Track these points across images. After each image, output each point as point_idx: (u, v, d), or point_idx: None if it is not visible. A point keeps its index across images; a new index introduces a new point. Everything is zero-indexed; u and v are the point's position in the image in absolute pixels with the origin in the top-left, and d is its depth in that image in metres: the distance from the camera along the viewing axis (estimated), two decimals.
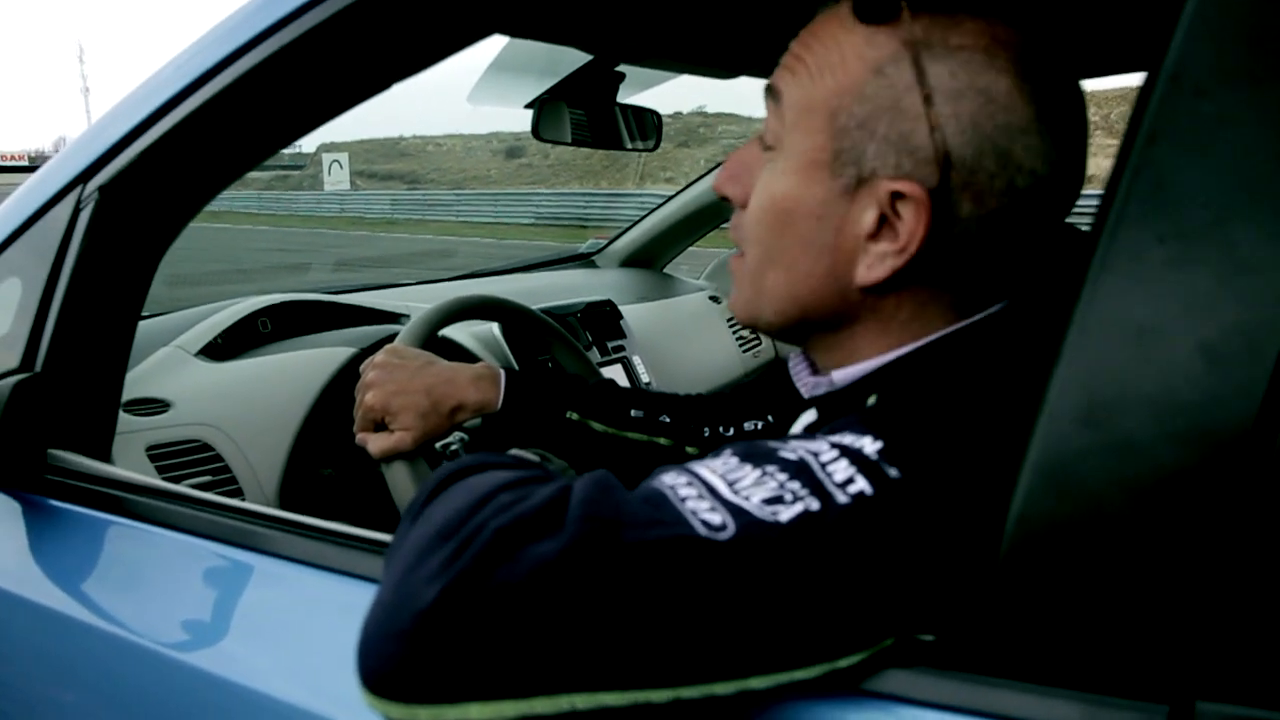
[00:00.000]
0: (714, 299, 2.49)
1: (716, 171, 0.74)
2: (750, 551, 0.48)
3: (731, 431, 1.13)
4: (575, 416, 1.11)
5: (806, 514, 0.50)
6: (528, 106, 1.69)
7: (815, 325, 0.71)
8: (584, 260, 2.65)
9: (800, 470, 0.53)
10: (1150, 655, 0.44)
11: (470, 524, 0.49)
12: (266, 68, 0.91)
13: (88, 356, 1.04)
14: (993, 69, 0.61)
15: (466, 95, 1.64)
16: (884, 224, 0.63)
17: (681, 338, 2.25)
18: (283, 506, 1.30)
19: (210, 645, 0.82)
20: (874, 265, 0.64)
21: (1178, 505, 0.43)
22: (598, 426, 1.11)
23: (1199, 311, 0.43)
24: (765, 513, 0.50)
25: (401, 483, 1.04)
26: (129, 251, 1.04)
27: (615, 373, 1.91)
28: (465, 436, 1.21)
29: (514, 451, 0.74)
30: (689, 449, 1.13)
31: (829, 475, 0.52)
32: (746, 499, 0.51)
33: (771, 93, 0.68)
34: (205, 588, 0.87)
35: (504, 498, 0.51)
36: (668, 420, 1.13)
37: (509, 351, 1.65)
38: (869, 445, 0.54)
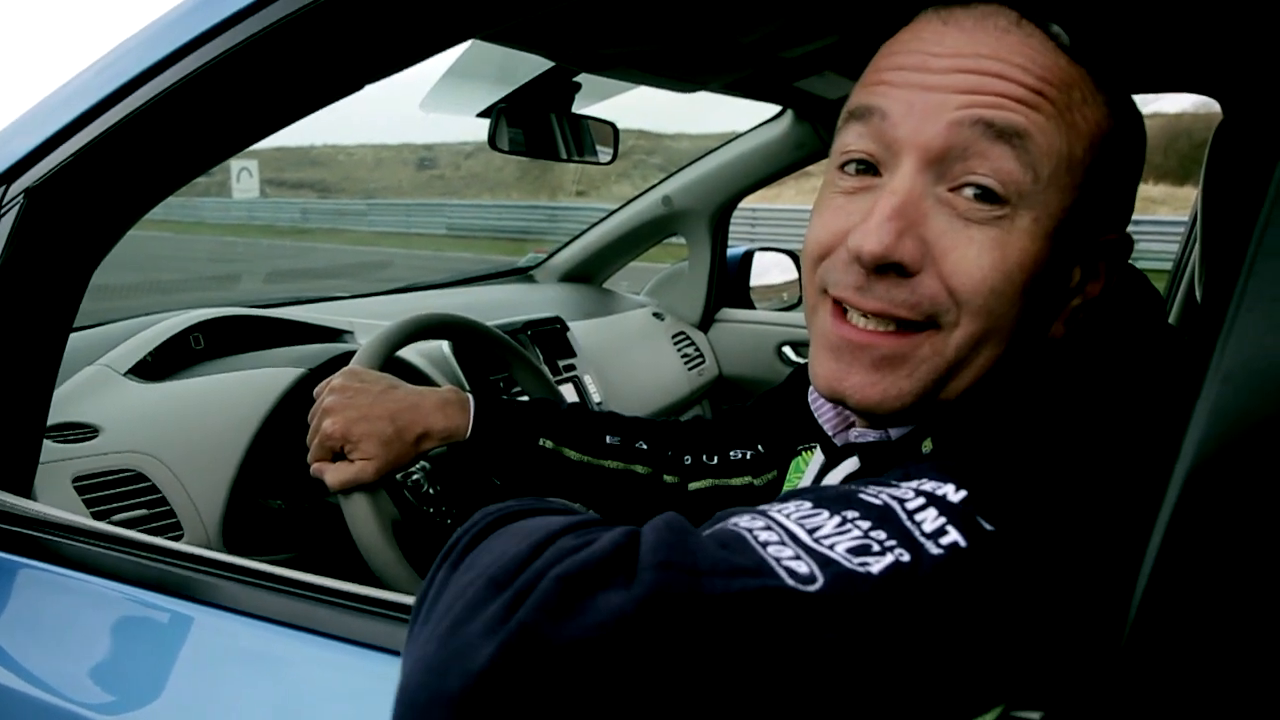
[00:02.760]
0: (657, 315, 2.44)
1: (869, 229, 0.58)
2: (842, 607, 0.43)
3: (716, 460, 1.08)
4: (549, 444, 1.05)
5: (898, 566, 0.45)
6: (481, 115, 1.62)
7: (974, 392, 0.64)
8: (523, 275, 2.57)
9: (884, 517, 0.48)
10: None
11: (529, 571, 0.43)
12: (226, 64, 0.83)
13: (9, 378, 0.93)
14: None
15: (419, 102, 1.56)
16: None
17: (629, 355, 2.19)
18: (226, 541, 1.20)
19: (141, 709, 0.75)
20: (1068, 319, 0.64)
21: None
22: (572, 455, 1.06)
23: None
24: (854, 563, 0.45)
25: (362, 517, 0.96)
26: (59, 262, 0.94)
27: (567, 392, 1.84)
28: (428, 466, 1.13)
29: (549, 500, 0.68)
30: (667, 477, 1.07)
31: (917, 524, 0.48)
32: (831, 548, 0.46)
33: (1009, 134, 0.58)
34: (139, 643, 0.80)
35: (565, 542, 0.45)
36: (645, 447, 1.08)
37: (459, 371, 1.57)
38: (952, 493, 0.50)
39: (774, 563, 0.44)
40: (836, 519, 0.48)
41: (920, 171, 0.59)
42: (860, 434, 0.71)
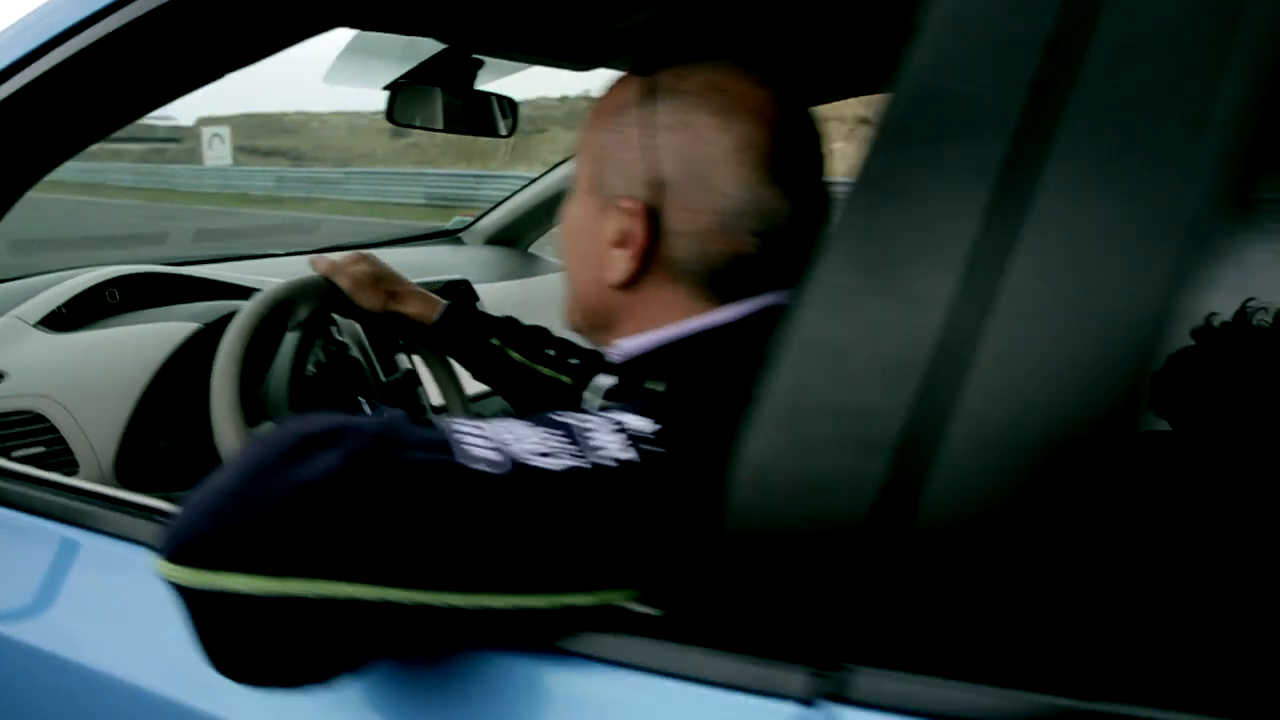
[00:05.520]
0: None
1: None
2: (519, 488, 0.57)
3: None
4: (497, 343, 1.25)
5: (575, 470, 0.59)
6: (386, 89, 1.70)
7: (597, 321, 0.83)
8: (450, 237, 2.66)
9: (579, 437, 0.62)
10: (807, 624, 0.52)
11: (289, 431, 0.58)
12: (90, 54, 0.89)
13: None
14: (701, 109, 0.73)
15: (323, 75, 1.65)
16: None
17: (539, 317, 2.27)
18: (119, 477, 1.32)
19: (36, 619, 0.82)
20: (615, 267, 0.77)
21: (846, 500, 0.50)
22: (515, 355, 1.25)
23: (881, 336, 0.51)
24: (537, 461, 0.58)
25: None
26: None
27: None
28: (347, 343, 1.34)
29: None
30: (587, 394, 1.21)
31: (606, 442, 0.62)
32: (523, 448, 0.59)
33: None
34: (35, 566, 0.85)
35: (328, 419, 0.59)
36: (576, 363, 1.25)
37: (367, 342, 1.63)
38: (641, 425, 0.64)
39: (459, 449, 0.57)
40: (540, 432, 0.62)
41: None
42: (608, 355, 0.85)
